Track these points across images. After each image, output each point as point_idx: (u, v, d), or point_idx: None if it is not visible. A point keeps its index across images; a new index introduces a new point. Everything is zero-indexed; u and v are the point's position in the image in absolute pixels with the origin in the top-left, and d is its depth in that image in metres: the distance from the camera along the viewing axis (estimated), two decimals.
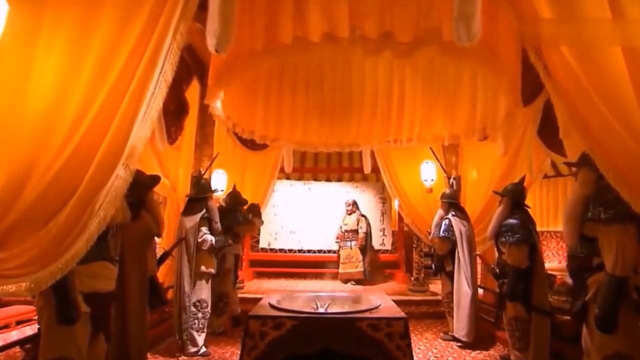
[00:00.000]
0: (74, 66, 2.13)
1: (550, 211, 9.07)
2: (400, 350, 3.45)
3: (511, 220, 3.99)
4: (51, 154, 2.05)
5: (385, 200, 9.88)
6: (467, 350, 5.00)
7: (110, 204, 2.14)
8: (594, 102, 2.01)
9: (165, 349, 4.92)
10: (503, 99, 4.48)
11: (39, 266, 2.02)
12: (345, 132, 5.87)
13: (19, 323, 5.51)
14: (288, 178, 10.22)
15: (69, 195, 2.05)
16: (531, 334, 3.87)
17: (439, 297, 7.02)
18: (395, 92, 5.60)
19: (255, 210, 6.32)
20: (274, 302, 3.95)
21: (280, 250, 9.81)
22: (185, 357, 4.57)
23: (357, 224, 8.74)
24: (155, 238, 3.81)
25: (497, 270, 4.26)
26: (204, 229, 4.56)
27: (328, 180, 10.48)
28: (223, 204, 5.81)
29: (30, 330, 5.11)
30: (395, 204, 9.78)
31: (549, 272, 5.02)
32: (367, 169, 6.99)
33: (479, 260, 5.41)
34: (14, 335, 4.03)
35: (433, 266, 5.73)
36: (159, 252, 4.47)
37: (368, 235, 8.77)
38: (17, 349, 3.55)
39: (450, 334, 5.43)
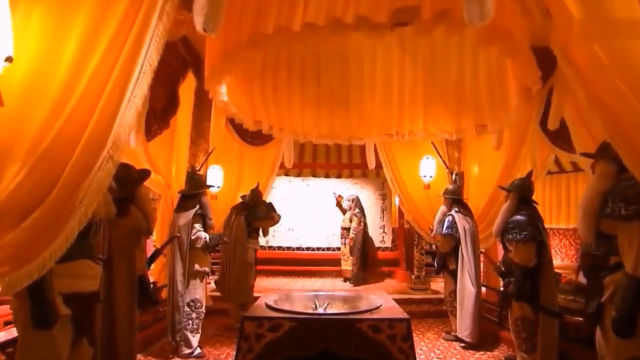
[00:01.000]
0: (54, 48, 1.95)
1: (553, 208, 8.90)
2: (403, 352, 3.28)
3: (518, 217, 3.82)
4: (28, 144, 1.88)
5: (385, 196, 9.74)
6: (471, 351, 4.84)
7: (92, 198, 1.96)
8: (618, 86, 1.84)
9: (159, 351, 4.75)
10: (511, 88, 4.33)
11: (14, 266, 1.85)
12: (345, 125, 5.69)
13: (7, 324, 5.32)
14: (287, 174, 10.07)
15: (48, 188, 1.88)
16: (539, 335, 3.71)
17: (441, 296, 6.89)
18: (395, 83, 5.43)
19: (269, 206, 6.15)
20: (270, 303, 3.78)
21: (279, 247, 9.67)
22: (179, 359, 4.41)
23: (350, 224, 8.49)
24: (146, 235, 3.65)
25: (503, 269, 4.09)
26: (198, 226, 4.39)
27: (327, 176, 10.33)
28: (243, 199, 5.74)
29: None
30: (396, 200, 9.64)
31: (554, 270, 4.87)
32: (372, 164, 6.82)
33: (481, 258, 5.26)
34: (2, 336, 3.85)
35: (435, 264, 5.56)
36: (152, 250, 4.31)
37: (358, 235, 8.33)
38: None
39: (452, 333, 5.28)
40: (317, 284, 8.35)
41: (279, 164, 7.18)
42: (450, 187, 5.62)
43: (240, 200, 5.76)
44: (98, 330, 3.13)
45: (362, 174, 10.36)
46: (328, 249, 9.55)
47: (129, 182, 3.34)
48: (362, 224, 8.39)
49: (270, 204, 6.04)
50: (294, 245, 9.69)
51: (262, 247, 9.42)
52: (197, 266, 4.41)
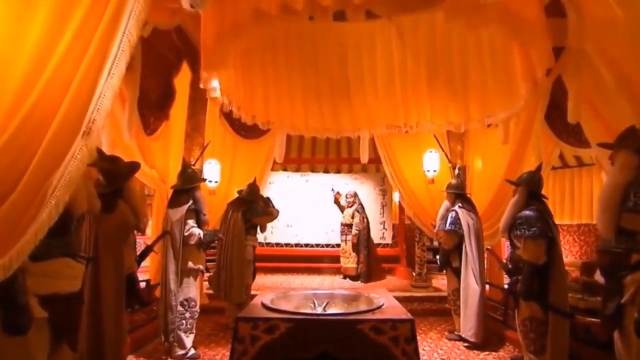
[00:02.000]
0: (20, 22, 1.74)
1: (557, 204, 8.72)
2: (407, 355, 3.10)
3: (527, 212, 3.63)
4: None
5: (385, 192, 9.56)
6: (475, 352, 4.68)
7: (64, 190, 1.77)
8: None
9: (151, 352, 4.58)
10: (517, 77, 4.14)
11: None
12: (345, 118, 5.50)
13: None
14: (285, 169, 9.90)
15: (14, 179, 1.69)
16: (548, 336, 3.53)
17: (443, 293, 6.72)
18: (396, 76, 5.25)
19: (267, 201, 5.95)
20: (266, 302, 3.59)
21: (277, 244, 9.50)
22: None
23: (352, 220, 8.22)
24: (138, 231, 3.46)
25: (510, 266, 3.92)
26: (191, 222, 4.20)
27: (326, 171, 10.14)
28: (239, 194, 5.52)
29: None
30: (396, 196, 9.46)
31: None
32: (364, 158, 6.60)
33: (485, 255, 5.08)
34: None
35: (438, 261, 5.38)
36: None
37: (361, 232, 8.10)
38: None
39: (456, 333, 5.11)
40: (316, 281, 8.17)
41: (273, 158, 6.98)
42: (454, 181, 5.44)
43: (237, 195, 5.55)
44: (83, 333, 2.97)
45: (362, 169, 10.17)
46: (327, 245, 9.37)
47: (117, 175, 3.16)
48: (365, 220, 8.18)
49: (268, 198, 5.84)
50: (293, 242, 9.51)
51: (260, 244, 9.25)
52: (190, 264, 4.23)
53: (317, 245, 9.40)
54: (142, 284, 5.53)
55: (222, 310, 5.65)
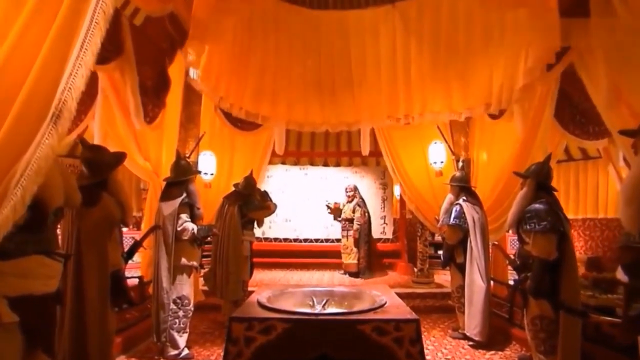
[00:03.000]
0: None
1: (561, 198, 8.48)
2: (411, 357, 2.91)
3: (537, 205, 3.44)
4: None
5: (386, 186, 9.36)
6: (481, 351, 4.50)
7: (31, 180, 1.57)
8: None
9: (144, 351, 4.40)
10: (524, 64, 3.94)
11: None
12: (346, 109, 5.29)
13: None
14: (283, 163, 9.71)
15: None
16: (559, 336, 3.34)
17: (446, 290, 6.54)
18: (399, 64, 5.04)
19: (264, 195, 5.71)
20: (263, 300, 3.41)
21: (275, 239, 9.33)
22: None
23: (353, 214, 7.95)
24: (124, 226, 3.27)
25: (518, 262, 3.73)
26: (184, 216, 4.01)
27: (326, 165, 9.95)
28: (235, 188, 5.30)
29: None
30: (397, 190, 9.27)
31: None
32: (365, 150, 6.39)
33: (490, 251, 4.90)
34: None
35: (442, 257, 5.18)
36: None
37: (363, 227, 7.87)
38: None
39: (460, 331, 4.93)
40: (316, 277, 7.99)
41: (271, 150, 6.77)
42: (457, 174, 5.24)
43: (234, 189, 5.34)
44: (66, 335, 2.80)
45: (362, 162, 9.98)
46: (327, 240, 9.19)
47: (102, 166, 2.96)
48: (366, 214, 7.97)
49: (265, 192, 5.63)
50: (291, 237, 9.32)
51: (258, 239, 9.07)
52: (184, 260, 4.03)
53: (317, 240, 9.22)
54: (135, 281, 5.41)
55: (218, 308, 5.48)
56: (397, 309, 3.31)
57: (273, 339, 2.95)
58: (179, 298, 4.05)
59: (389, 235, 9.31)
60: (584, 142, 6.34)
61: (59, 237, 3.13)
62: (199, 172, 5.81)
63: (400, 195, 8.76)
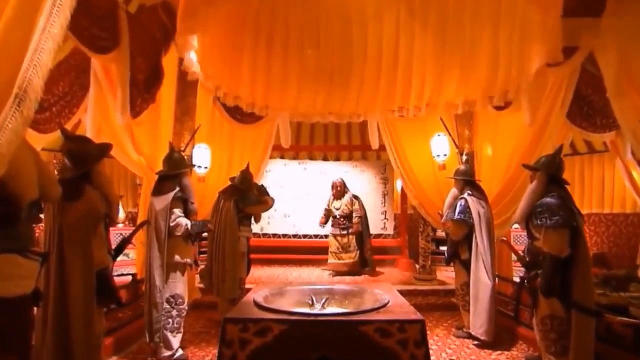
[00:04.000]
0: None
1: None
2: None
3: (549, 200, 3.26)
4: None
5: (387, 181, 9.17)
6: (487, 351, 4.34)
7: None
8: None
9: (137, 352, 4.25)
10: (533, 53, 3.74)
11: None
12: (346, 101, 5.09)
13: None
14: (282, 157, 9.52)
15: None
16: (572, 337, 3.18)
17: (449, 287, 6.39)
18: (402, 53, 4.83)
19: (262, 189, 5.49)
20: (259, 300, 3.23)
21: (274, 235, 9.14)
22: None
23: (351, 208, 7.60)
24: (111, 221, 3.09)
25: (528, 259, 3.56)
26: (177, 211, 3.82)
27: (325, 159, 9.77)
28: (232, 182, 5.11)
29: None
30: (398, 184, 9.10)
31: None
32: (375, 144, 6.18)
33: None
34: None
35: (446, 253, 5.01)
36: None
37: (363, 220, 7.64)
38: None
39: (465, 330, 4.76)
40: (316, 274, 7.83)
41: (273, 144, 6.58)
42: (462, 167, 5.06)
43: (230, 183, 5.15)
44: (49, 337, 2.63)
45: (362, 157, 9.80)
46: (327, 236, 8.99)
47: (86, 157, 2.78)
48: (362, 207, 7.72)
49: (263, 186, 5.43)
50: (291, 233, 9.13)
51: (257, 235, 8.91)
52: (177, 257, 3.86)
53: (316, 236, 9.02)
54: (129, 278, 5.24)
55: (215, 306, 5.31)
56: (400, 308, 3.14)
57: (270, 342, 2.77)
58: (173, 297, 3.88)
59: (390, 232, 9.13)
60: (590, 135, 6.18)
61: (40, 234, 2.99)
62: (193, 166, 5.64)
63: (402, 191, 8.60)
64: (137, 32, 4.40)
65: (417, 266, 7.09)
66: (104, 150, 2.92)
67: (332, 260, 7.56)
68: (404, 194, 8.65)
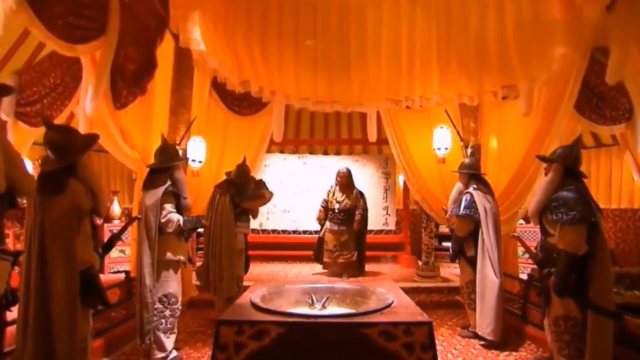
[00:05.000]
0: None
1: None
2: None
3: (565, 193, 3.07)
4: None
5: (388, 175, 8.98)
6: (494, 351, 4.16)
7: None
8: None
9: (129, 353, 4.07)
10: (550, 39, 3.55)
11: None
12: (346, 89, 4.89)
13: None
14: (282, 151, 9.33)
15: None
16: (588, 339, 2.99)
17: (452, 284, 6.23)
18: (404, 41, 4.64)
19: (259, 183, 5.19)
20: (256, 300, 3.05)
21: (273, 231, 8.97)
22: None
23: (356, 203, 6.90)
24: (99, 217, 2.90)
25: (540, 256, 3.36)
26: (169, 206, 3.62)
27: (325, 153, 9.56)
28: (228, 177, 4.88)
29: None
30: (400, 179, 8.91)
31: None
32: (373, 136, 5.94)
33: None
34: None
35: (450, 250, 4.81)
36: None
37: (364, 215, 7.00)
38: None
39: (470, 329, 4.58)
40: (315, 269, 7.63)
41: (269, 137, 6.37)
42: (467, 160, 4.86)
43: (225, 177, 4.94)
44: (30, 340, 2.45)
45: (363, 150, 9.61)
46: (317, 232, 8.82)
47: (70, 149, 2.58)
48: (366, 205, 7.15)
49: (261, 180, 5.21)
50: (290, 229, 8.96)
51: (255, 231, 8.74)
52: (169, 254, 3.66)
53: (316, 232, 8.79)
54: (121, 276, 5.06)
55: (212, 304, 5.12)
56: (406, 309, 2.95)
57: (266, 345, 2.60)
58: (165, 296, 3.69)
59: (392, 227, 8.95)
60: (598, 128, 5.97)
61: (16, 231, 2.80)
62: (187, 160, 5.45)
63: (404, 185, 8.41)
64: (129, 21, 4.21)
65: (420, 262, 6.90)
66: (90, 140, 2.72)
67: (326, 259, 6.93)
68: (405, 189, 8.47)
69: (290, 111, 8.61)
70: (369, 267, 7.37)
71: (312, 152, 9.53)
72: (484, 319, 4.28)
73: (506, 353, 4.12)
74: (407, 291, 3.82)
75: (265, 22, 4.45)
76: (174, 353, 3.80)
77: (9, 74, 5.30)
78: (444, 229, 8.02)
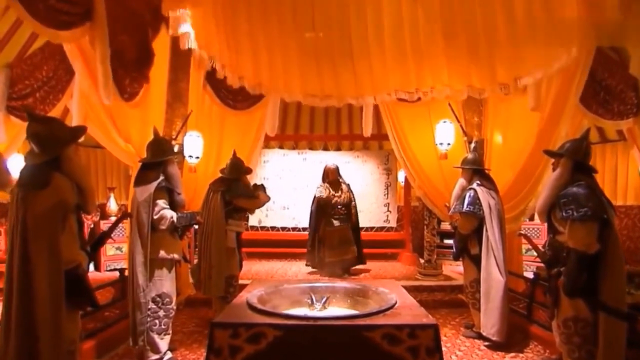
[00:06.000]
0: None
1: None
2: None
3: (575, 189, 2.92)
4: None
5: (390, 171, 8.84)
6: (500, 352, 4.04)
7: None
8: None
9: (122, 355, 3.95)
10: (563, 27, 3.40)
11: None
12: (348, 83, 4.74)
13: None
14: (281, 147, 9.19)
15: None
16: (599, 342, 2.86)
17: (455, 282, 6.10)
18: (407, 31, 4.48)
19: (259, 187, 5.00)
20: (253, 301, 2.92)
21: (272, 228, 8.84)
22: None
23: (350, 195, 6.80)
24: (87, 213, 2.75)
25: (549, 255, 3.22)
26: (161, 202, 3.47)
27: (325, 149, 9.42)
28: (222, 173, 4.71)
29: None
30: (400, 175, 8.77)
31: None
32: (368, 131, 5.77)
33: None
34: None
35: (454, 247, 4.68)
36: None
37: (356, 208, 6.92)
38: None
39: (474, 329, 4.46)
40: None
41: (265, 131, 6.22)
42: (470, 156, 4.71)
43: (220, 174, 4.77)
44: (12, 344, 2.31)
45: (364, 146, 9.46)
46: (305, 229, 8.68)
47: (54, 141, 2.44)
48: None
49: (262, 185, 5.01)
50: (290, 226, 8.82)
51: (254, 228, 8.62)
52: (162, 252, 3.52)
53: None
54: (116, 273, 4.93)
55: (209, 303, 4.99)
56: (410, 310, 2.82)
57: (263, 349, 2.46)
58: (159, 296, 3.56)
59: (393, 224, 8.82)
60: (605, 122, 5.82)
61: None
62: (184, 156, 5.31)
63: (405, 181, 8.26)
64: (117, 8, 4.05)
65: (422, 260, 6.76)
66: (76, 133, 2.58)
67: (328, 258, 6.64)
68: (407, 185, 8.34)
69: (290, 106, 8.48)
70: (368, 265, 7.20)
71: (312, 148, 9.39)
72: (489, 319, 4.15)
73: (512, 354, 3.99)
74: (409, 290, 3.70)
75: (262, 18, 4.30)
76: (169, 355, 3.67)
77: (0, 67, 5.19)
78: (446, 226, 7.86)
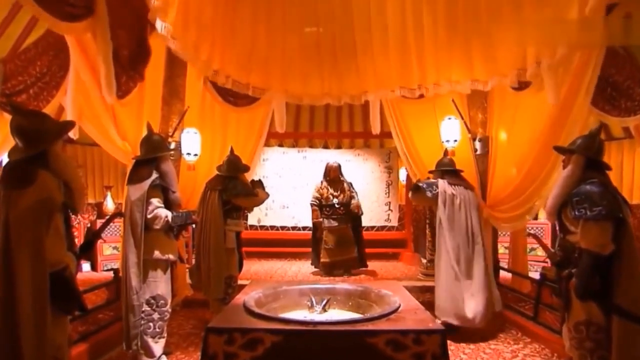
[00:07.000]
0: None
1: None
2: None
3: (588, 187, 2.78)
4: None
5: (391, 169, 8.70)
6: (505, 355, 3.90)
7: None
8: None
9: (117, 358, 3.82)
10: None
11: None
12: (351, 80, 4.62)
13: None
14: (281, 145, 9.05)
15: None
16: (613, 347, 2.72)
17: None
18: (410, 26, 4.37)
19: (257, 183, 4.91)
20: (250, 303, 2.79)
21: (272, 227, 8.70)
22: None
23: (350, 194, 6.73)
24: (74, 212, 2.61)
25: (559, 256, 3.09)
26: (155, 201, 3.34)
27: (326, 147, 9.27)
28: (219, 171, 4.59)
29: None
30: (401, 174, 8.64)
31: None
32: (376, 128, 5.65)
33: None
34: None
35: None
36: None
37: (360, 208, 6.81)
38: None
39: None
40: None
41: (267, 128, 6.08)
42: (445, 159, 4.82)
43: (217, 173, 4.65)
44: None
45: (365, 144, 9.33)
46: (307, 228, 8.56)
47: (40, 136, 2.30)
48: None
49: (260, 181, 4.88)
50: (289, 225, 8.69)
51: (254, 227, 8.49)
52: (157, 253, 3.39)
53: None
54: (110, 274, 4.79)
55: (207, 304, 4.85)
56: (414, 314, 2.69)
57: (260, 356, 2.33)
58: (153, 298, 3.43)
59: (394, 223, 8.68)
60: (611, 119, 5.68)
61: None
62: (181, 153, 5.18)
63: (407, 180, 8.13)
64: (118, 4, 3.94)
65: (424, 260, 6.61)
66: (64, 127, 2.44)
67: (326, 259, 6.61)
68: (408, 184, 8.19)
69: (289, 103, 8.33)
70: (369, 265, 7.06)
71: (312, 146, 9.26)
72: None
73: (518, 358, 3.86)
74: (411, 290, 3.62)
75: (264, 13, 4.18)
76: (164, 358, 3.55)
77: None
78: None
